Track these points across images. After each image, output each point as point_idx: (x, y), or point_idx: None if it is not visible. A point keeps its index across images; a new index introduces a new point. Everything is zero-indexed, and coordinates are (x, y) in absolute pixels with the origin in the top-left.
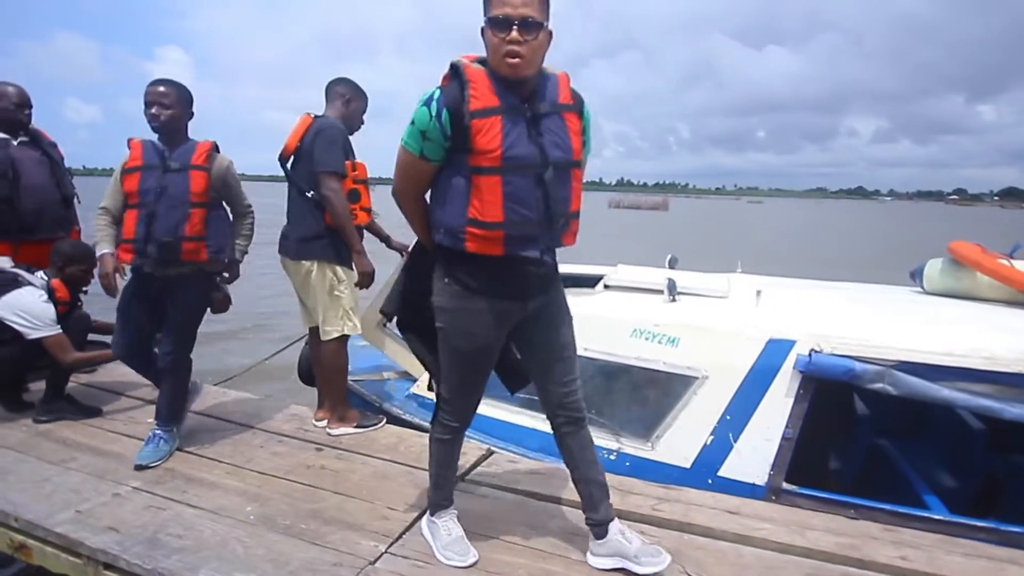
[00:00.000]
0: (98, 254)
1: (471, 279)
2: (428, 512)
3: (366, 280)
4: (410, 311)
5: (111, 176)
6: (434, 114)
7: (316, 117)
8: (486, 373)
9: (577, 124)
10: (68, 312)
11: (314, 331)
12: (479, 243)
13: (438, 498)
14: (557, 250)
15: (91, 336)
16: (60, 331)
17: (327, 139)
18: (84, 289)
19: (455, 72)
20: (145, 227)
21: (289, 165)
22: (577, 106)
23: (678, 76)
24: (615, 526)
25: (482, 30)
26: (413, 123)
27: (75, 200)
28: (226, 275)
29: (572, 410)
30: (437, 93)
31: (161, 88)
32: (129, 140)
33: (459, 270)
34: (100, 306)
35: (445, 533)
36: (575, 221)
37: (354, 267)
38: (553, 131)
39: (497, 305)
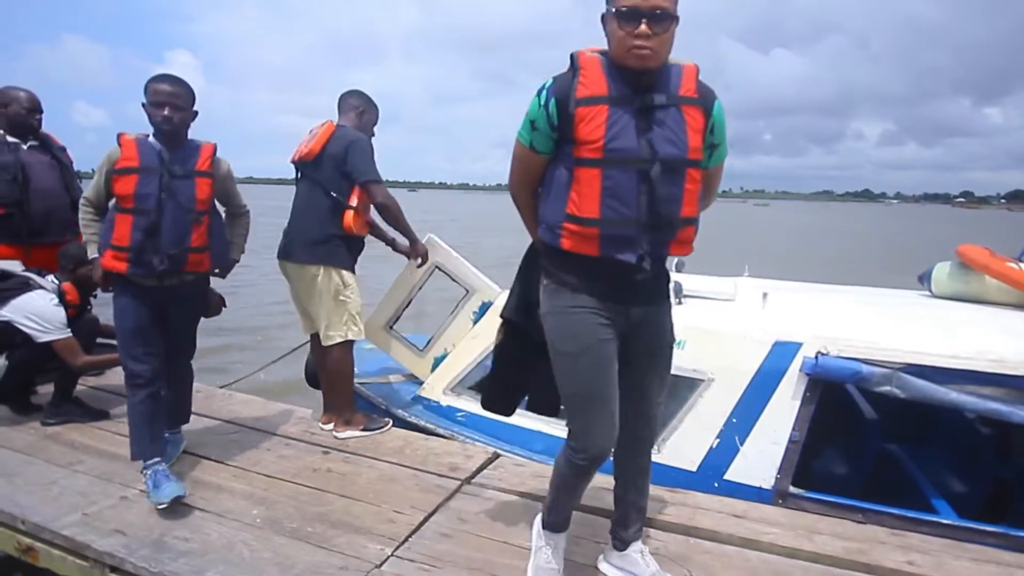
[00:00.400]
0: (90, 256)
1: (569, 276)
2: (542, 521)
3: (425, 258)
4: (523, 319)
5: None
6: (543, 103)
7: (339, 126)
8: (603, 386)
9: (700, 120)
10: (77, 315)
11: (315, 337)
12: (574, 240)
13: (553, 519)
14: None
15: (98, 340)
16: (70, 334)
17: (362, 151)
18: (94, 294)
19: (572, 62)
20: (145, 237)
21: (309, 169)
22: (703, 101)
23: None
24: (637, 546)
25: (603, 17)
26: (527, 114)
27: None
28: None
29: (646, 433)
30: (549, 82)
31: (174, 88)
32: (120, 136)
33: (558, 268)
34: (105, 309)
35: (544, 560)
36: (689, 228)
37: (412, 252)
38: (668, 125)
39: (599, 305)
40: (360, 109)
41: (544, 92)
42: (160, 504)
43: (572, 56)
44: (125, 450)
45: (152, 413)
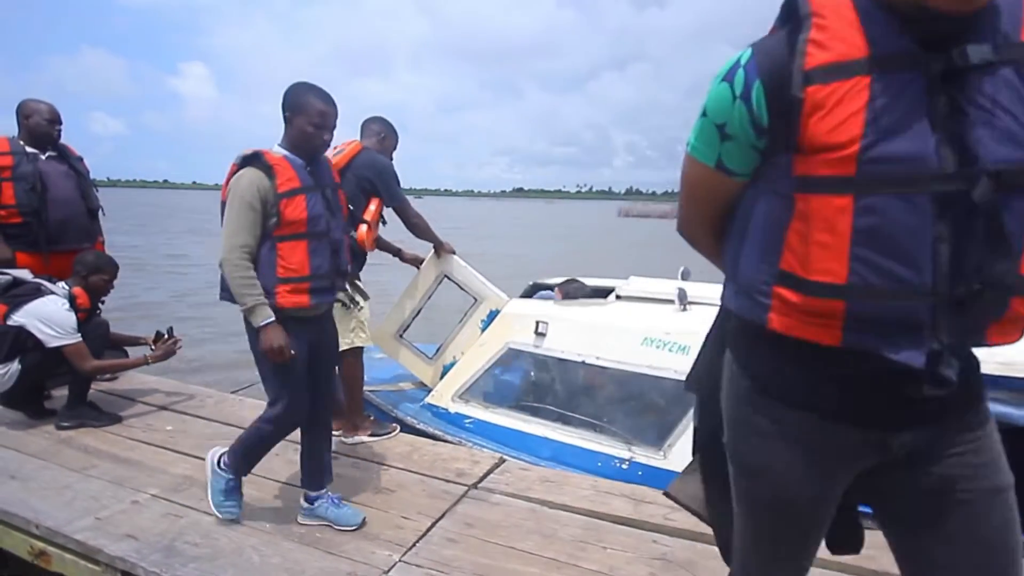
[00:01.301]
0: (260, 324)
1: (773, 375)
2: None
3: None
4: (708, 397)
5: (133, 186)
6: (739, 92)
7: (364, 147)
8: (798, 544)
9: None
10: (87, 319)
11: None
12: (793, 319)
13: None
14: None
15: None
16: (80, 339)
17: (391, 176)
18: (102, 299)
19: (789, 9)
20: (324, 260)
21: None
22: None
23: (687, 86)
24: None
25: None
26: (704, 114)
27: (100, 212)
28: None
29: None
30: (746, 55)
31: (333, 109)
32: (264, 155)
33: (756, 355)
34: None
35: None
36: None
37: (440, 251)
38: (999, 104)
39: (826, 430)
40: (382, 135)
41: (739, 72)
42: (351, 527)
43: (792, 2)
44: (137, 454)
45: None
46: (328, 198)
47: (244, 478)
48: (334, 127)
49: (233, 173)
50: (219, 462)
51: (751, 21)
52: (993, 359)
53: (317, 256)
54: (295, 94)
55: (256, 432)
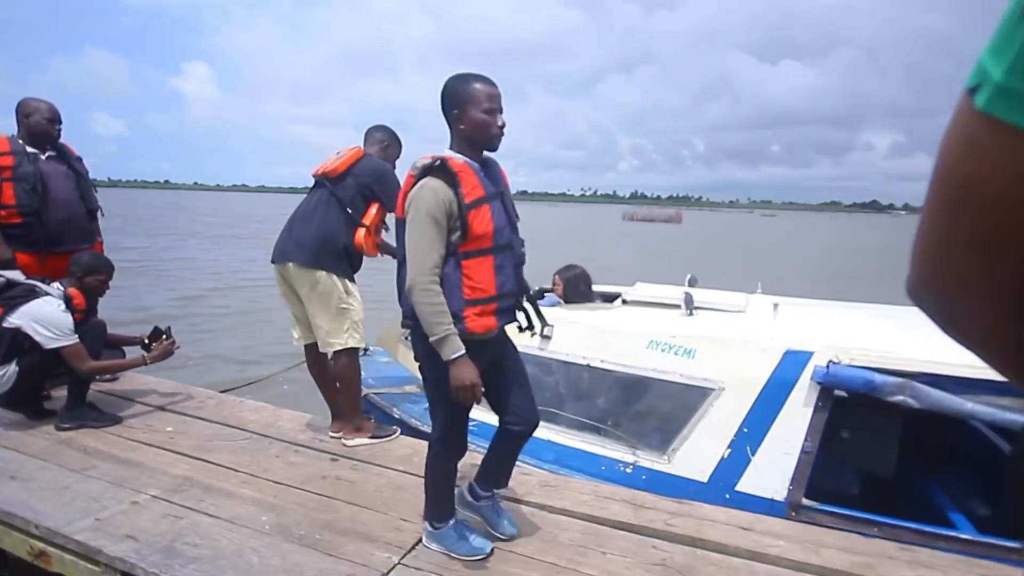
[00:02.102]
0: (451, 357)
1: None
2: None
3: None
4: None
5: (135, 187)
6: None
7: (366, 153)
8: None
9: None
10: (84, 320)
11: (309, 348)
12: None
13: None
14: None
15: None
16: (77, 341)
17: (393, 182)
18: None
19: None
20: (515, 276)
21: (329, 183)
22: None
23: (694, 91)
24: None
25: None
26: (997, 39)
27: (99, 213)
28: None
29: None
30: None
31: (498, 91)
32: (447, 161)
33: None
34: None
35: None
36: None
37: None
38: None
39: None
40: (385, 143)
41: None
42: (475, 556)
43: None
44: (137, 455)
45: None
46: (507, 205)
47: (240, 479)
48: (502, 107)
49: (411, 184)
50: (431, 526)
51: (761, 26)
52: None
53: (503, 272)
54: (454, 87)
55: (432, 477)
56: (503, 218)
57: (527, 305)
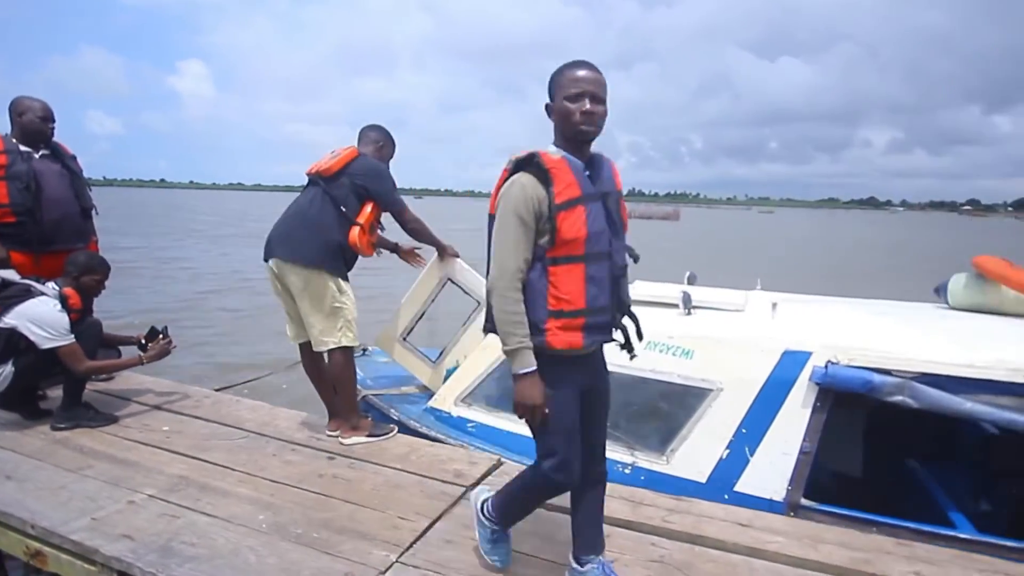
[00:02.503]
0: (519, 372)
1: None
2: None
3: (457, 254)
4: None
5: (130, 186)
6: None
7: (361, 153)
8: None
9: None
10: (80, 319)
11: (304, 346)
12: None
13: None
14: None
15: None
16: (73, 340)
17: (388, 180)
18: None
19: None
20: (611, 290)
21: (323, 181)
22: None
23: (693, 87)
24: None
25: None
26: None
27: (93, 212)
28: None
29: None
30: None
31: (597, 75)
32: (541, 155)
33: None
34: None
35: None
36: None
37: (443, 254)
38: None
39: None
40: (380, 143)
41: None
42: (490, 560)
43: None
44: (133, 455)
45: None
46: (610, 209)
47: (237, 477)
48: (601, 99)
49: (504, 180)
50: (483, 507)
51: (760, 22)
52: (1002, 365)
53: (595, 284)
54: (551, 77)
55: (522, 487)
56: (601, 223)
57: (627, 323)
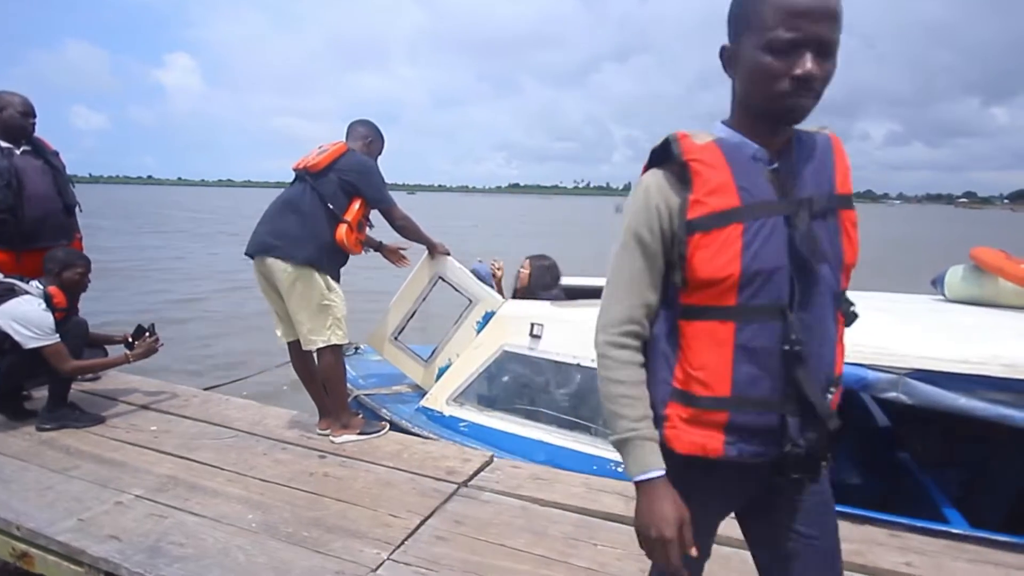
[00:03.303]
0: (637, 477)
1: None
2: None
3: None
4: None
5: (117, 183)
6: None
7: (349, 149)
8: None
9: None
10: (65, 318)
11: (293, 345)
12: None
13: None
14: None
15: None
16: (59, 340)
17: (378, 178)
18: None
19: None
20: (783, 372)
21: (311, 178)
22: None
23: (690, 80)
24: None
25: None
26: None
27: (77, 208)
28: None
29: None
30: None
31: (832, 4)
32: (680, 138)
33: None
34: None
35: None
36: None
37: (433, 252)
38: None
39: None
40: (369, 139)
41: None
42: None
43: None
44: (120, 455)
45: None
46: (802, 233)
47: (226, 477)
48: (830, 49)
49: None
50: None
51: None
52: (996, 361)
53: (751, 359)
54: (733, 5)
55: None
56: (776, 255)
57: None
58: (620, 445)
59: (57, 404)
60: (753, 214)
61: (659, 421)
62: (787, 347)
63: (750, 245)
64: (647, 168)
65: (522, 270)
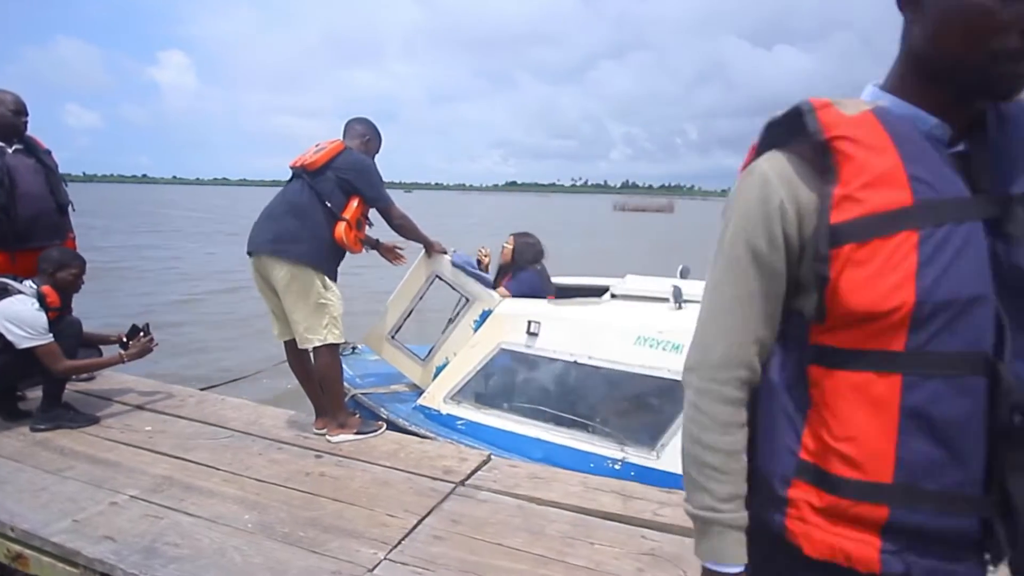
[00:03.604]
0: (715, 568)
1: None
2: None
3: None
4: None
5: (111, 181)
6: None
7: (346, 147)
8: None
9: None
10: (59, 318)
11: (289, 344)
12: None
13: None
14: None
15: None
16: (52, 340)
17: (374, 176)
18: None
19: None
20: (989, 459)
21: (308, 176)
22: None
23: (688, 77)
24: None
25: None
26: None
27: (70, 207)
28: None
29: None
30: None
31: None
32: (817, 108)
33: None
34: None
35: None
36: None
37: (430, 250)
38: None
39: None
40: (366, 137)
41: None
42: None
43: None
44: (115, 455)
45: None
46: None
47: (222, 477)
48: None
49: (747, 165)
50: None
51: (758, 12)
52: None
53: (934, 433)
54: None
55: None
56: (975, 278)
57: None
58: (694, 520)
59: (51, 404)
60: (935, 216)
61: (776, 503)
62: (998, 419)
63: (931, 262)
64: (759, 150)
65: (506, 245)
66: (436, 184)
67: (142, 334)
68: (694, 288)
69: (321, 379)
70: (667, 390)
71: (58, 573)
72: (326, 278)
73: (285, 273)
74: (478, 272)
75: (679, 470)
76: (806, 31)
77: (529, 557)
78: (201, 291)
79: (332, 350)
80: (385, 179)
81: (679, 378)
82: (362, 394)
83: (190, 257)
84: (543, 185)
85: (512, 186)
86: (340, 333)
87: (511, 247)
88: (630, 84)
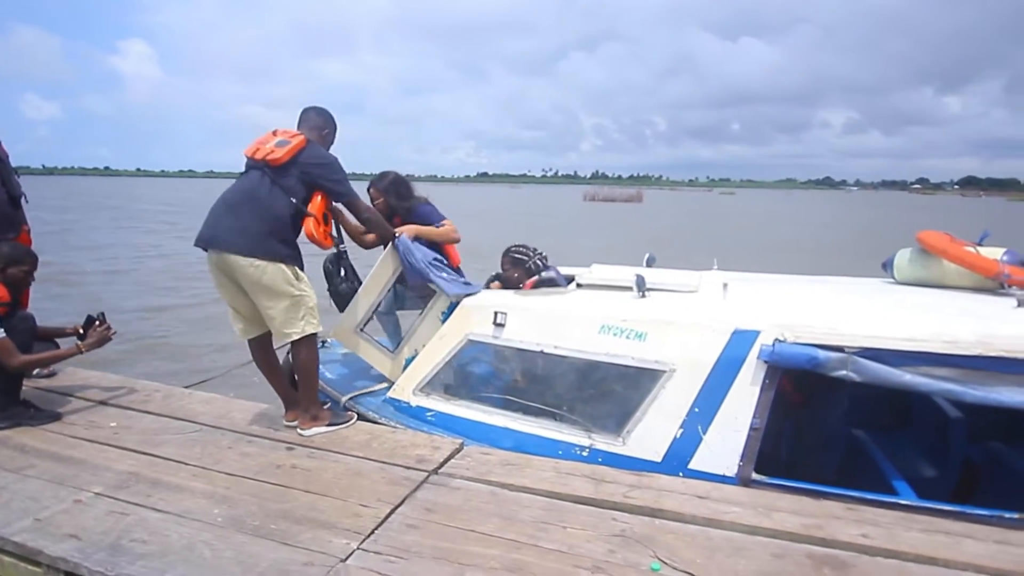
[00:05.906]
0: None
1: None
2: None
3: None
4: None
5: (72, 174)
6: None
7: (309, 142)
8: None
9: None
10: (10, 313)
11: (253, 341)
12: None
13: None
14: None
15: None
16: (3, 335)
17: (341, 171)
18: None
19: None
20: None
21: (271, 171)
22: None
23: (658, 69)
24: None
25: None
26: None
27: (23, 200)
28: None
29: None
30: None
31: None
32: None
33: None
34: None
35: None
36: None
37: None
38: None
39: None
40: (325, 131)
41: None
42: None
43: None
44: (79, 452)
45: None
46: None
47: (190, 472)
48: None
49: None
50: None
51: (726, 5)
52: (939, 338)
53: None
54: None
55: None
56: None
57: None
58: None
59: (8, 402)
60: None
61: None
62: None
63: None
64: None
65: (374, 200)
66: (407, 175)
67: (98, 323)
68: (656, 276)
69: (298, 371)
70: (631, 377)
71: (21, 572)
72: (297, 269)
73: (255, 271)
74: (441, 263)
75: (645, 455)
76: (770, 23)
77: (502, 542)
78: (168, 285)
79: (310, 341)
80: (355, 171)
81: (643, 366)
82: (329, 389)
83: (163, 250)
84: (514, 176)
85: (484, 177)
86: (317, 323)
87: (381, 201)
88: (601, 76)
